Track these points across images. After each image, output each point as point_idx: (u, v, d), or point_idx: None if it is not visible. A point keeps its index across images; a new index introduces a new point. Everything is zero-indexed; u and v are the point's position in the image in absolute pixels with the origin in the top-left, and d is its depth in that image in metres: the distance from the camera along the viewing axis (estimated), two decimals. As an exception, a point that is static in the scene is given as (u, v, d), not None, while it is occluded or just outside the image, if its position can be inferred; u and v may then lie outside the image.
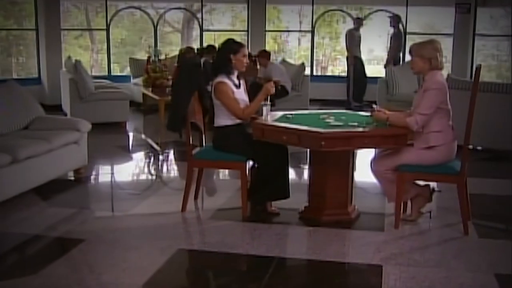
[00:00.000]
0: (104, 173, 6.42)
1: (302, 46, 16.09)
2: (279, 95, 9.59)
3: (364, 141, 4.22)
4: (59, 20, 10.94)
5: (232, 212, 4.81)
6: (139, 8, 12.92)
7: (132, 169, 6.73)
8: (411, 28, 12.15)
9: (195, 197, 5.16)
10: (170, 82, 9.65)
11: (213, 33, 16.13)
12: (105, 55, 12.29)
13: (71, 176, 5.98)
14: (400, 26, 11.65)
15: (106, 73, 11.93)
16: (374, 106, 4.66)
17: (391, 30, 11.54)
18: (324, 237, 4.31)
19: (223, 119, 4.76)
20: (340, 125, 4.39)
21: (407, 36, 11.85)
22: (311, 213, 4.70)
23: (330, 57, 16.61)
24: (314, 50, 13.21)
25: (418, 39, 13.22)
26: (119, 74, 12.53)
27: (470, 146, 7.34)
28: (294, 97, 9.88)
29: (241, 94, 4.82)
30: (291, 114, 4.86)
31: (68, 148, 5.74)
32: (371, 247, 4.13)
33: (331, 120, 4.59)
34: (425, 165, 4.37)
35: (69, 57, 10.05)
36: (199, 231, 4.54)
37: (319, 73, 14.99)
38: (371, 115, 4.57)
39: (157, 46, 11.96)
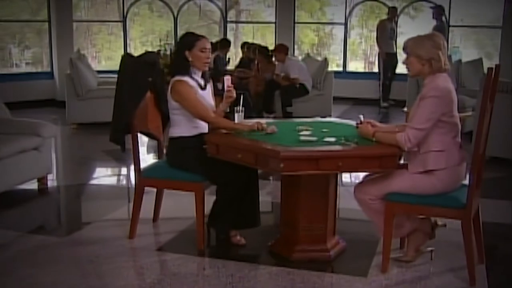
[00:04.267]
0: (71, 184, 5.65)
1: (351, 39, 15.10)
2: (298, 94, 8.70)
3: (338, 164, 3.26)
4: (71, 11, 10.34)
5: (189, 241, 3.96)
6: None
7: (109, 179, 5.98)
8: (454, 21, 10.95)
9: (154, 220, 4.36)
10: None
11: (253, 25, 15.34)
12: (149, 47, 11.69)
13: (35, 185, 5.29)
14: (444, 18, 10.50)
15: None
16: (361, 116, 3.71)
17: (434, 23, 10.42)
18: (287, 282, 3.40)
19: (178, 128, 3.91)
20: (311, 141, 3.47)
21: (450, 29, 10.69)
22: (281, 248, 3.80)
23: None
24: (360, 44, 12.19)
25: (462, 32, 12.21)
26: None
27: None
28: (315, 96, 8.92)
29: (207, 98, 3.95)
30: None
31: (26, 155, 5.03)
32: (342, 300, 3.20)
33: (306, 133, 3.68)
34: (421, 194, 3.40)
35: (78, 51, 9.43)
36: (136, 268, 3.68)
37: (366, 70, 13.97)
38: (357, 128, 3.64)
39: (176, 38, 11.22)
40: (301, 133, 3.69)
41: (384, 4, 12.00)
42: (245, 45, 10.25)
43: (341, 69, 12.05)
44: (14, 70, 12.05)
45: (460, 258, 3.62)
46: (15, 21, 11.17)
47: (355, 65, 14.87)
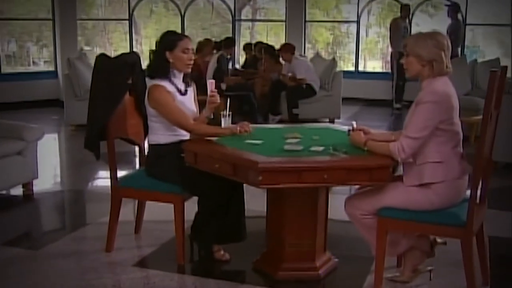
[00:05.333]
0: (58, 190, 5.40)
1: (368, 38, 14.78)
2: (305, 95, 8.37)
3: (323, 176, 2.95)
4: (75, 9, 10.12)
5: (170, 255, 3.68)
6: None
7: (99, 184, 5.72)
8: (471, 19, 10.55)
9: (136, 231, 4.10)
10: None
11: (266, 24, 15.07)
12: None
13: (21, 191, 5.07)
14: (459, 16, 10.11)
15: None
16: (353, 123, 3.40)
17: (449, 21, 10.06)
18: (268, 305, 3.11)
19: (156, 136, 3.64)
20: (296, 151, 3.16)
21: (471, 28, 10.31)
22: (266, 265, 3.51)
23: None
24: (377, 43, 11.86)
25: (483, 30, 11.78)
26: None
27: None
28: (323, 97, 8.58)
29: (188, 103, 3.66)
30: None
31: (8, 160, 4.79)
32: (326, 327, 2.90)
33: (292, 141, 3.37)
34: (417, 209, 3.08)
35: (81, 49, 9.23)
36: (107, 285, 3.37)
37: (384, 69, 13.64)
38: (348, 135, 3.33)
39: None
40: (288, 141, 3.39)
41: (399, 2, 11.65)
42: (248, 46, 9.98)
43: (353, 69, 11.72)
44: (32, 68, 11.97)
45: (462, 279, 3.26)
46: (18, 19, 11.03)
47: (373, 65, 14.52)
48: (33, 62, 12.37)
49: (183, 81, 3.69)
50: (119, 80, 3.62)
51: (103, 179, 5.89)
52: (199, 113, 3.74)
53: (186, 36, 3.62)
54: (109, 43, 15.00)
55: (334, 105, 8.64)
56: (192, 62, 3.64)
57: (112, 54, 10.94)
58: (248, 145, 3.29)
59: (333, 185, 3.32)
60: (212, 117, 3.72)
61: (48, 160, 6.14)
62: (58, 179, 5.71)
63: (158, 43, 3.62)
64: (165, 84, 3.53)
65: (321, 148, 3.18)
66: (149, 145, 3.68)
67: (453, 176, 3.06)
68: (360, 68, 11.92)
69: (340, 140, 3.37)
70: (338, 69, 9.07)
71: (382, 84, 10.85)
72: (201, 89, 3.98)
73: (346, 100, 9.69)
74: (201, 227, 3.58)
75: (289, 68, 8.44)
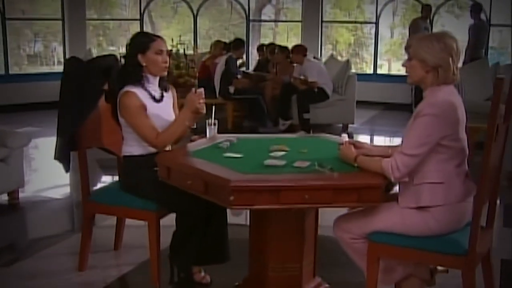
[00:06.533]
0: (47, 198, 5.14)
1: (393, 39, 14.39)
2: (317, 99, 8.00)
3: (304, 196, 2.61)
4: (84, 9, 9.91)
5: (146, 276, 3.37)
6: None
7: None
8: (498, 19, 10.09)
9: (115, 247, 3.81)
10: (196, 81, 8.37)
11: (287, 24, 14.78)
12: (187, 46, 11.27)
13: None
14: (482, 16, 9.65)
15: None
16: (344, 136, 3.05)
17: (472, 22, 9.62)
18: None
19: (129, 146, 3.34)
20: (277, 167, 2.82)
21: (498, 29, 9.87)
22: (249, 290, 3.18)
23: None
24: (401, 44, 11.48)
25: (510, 31, 11.26)
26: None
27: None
28: (336, 101, 8.19)
29: (163, 112, 3.32)
30: (229, 141, 3.30)
31: (-10, 167, 4.55)
32: None
33: (276, 155, 3.03)
34: (412, 235, 2.72)
35: (89, 50, 9.02)
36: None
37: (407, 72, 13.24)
38: (339, 149, 2.98)
39: (197, 38, 10.67)
40: (272, 154, 3.05)
41: (421, 2, 11.23)
42: (261, 48, 9.67)
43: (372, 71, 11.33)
44: (56, 68, 11.89)
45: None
46: (28, 19, 10.89)
47: (398, 67, 14.11)
48: (59, 62, 12.30)
49: (159, 86, 3.37)
50: (91, 86, 3.32)
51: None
52: None
53: (159, 37, 3.31)
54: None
55: (348, 109, 8.25)
56: (167, 64, 3.32)
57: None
58: (226, 159, 2.96)
59: (316, 207, 2.96)
60: (195, 127, 3.39)
61: (39, 166, 5.90)
62: (47, 187, 5.43)
63: (128, 46, 3.32)
64: (137, 90, 3.22)
65: (305, 164, 2.83)
66: (123, 156, 3.38)
67: (455, 199, 2.69)
68: (385, 71, 11.53)
69: (330, 155, 3.02)
70: (353, 71, 8.69)
71: (401, 87, 10.40)
72: (210, 92, 3.67)
73: (363, 104, 9.32)
74: (179, 246, 3.26)
75: (300, 70, 8.08)
